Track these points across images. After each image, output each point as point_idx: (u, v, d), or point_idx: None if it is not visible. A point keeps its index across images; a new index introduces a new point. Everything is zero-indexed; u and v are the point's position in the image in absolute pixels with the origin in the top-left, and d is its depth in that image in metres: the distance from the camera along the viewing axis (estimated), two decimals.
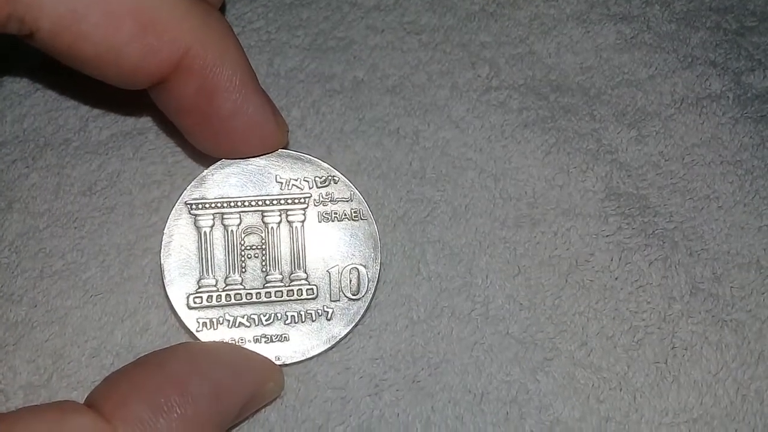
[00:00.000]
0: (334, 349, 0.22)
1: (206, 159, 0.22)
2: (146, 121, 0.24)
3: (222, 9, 0.25)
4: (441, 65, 0.26)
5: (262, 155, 0.22)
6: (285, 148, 0.22)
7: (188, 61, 0.19)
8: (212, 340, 0.21)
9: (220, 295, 0.21)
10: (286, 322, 0.21)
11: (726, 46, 0.27)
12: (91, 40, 0.18)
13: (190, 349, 0.20)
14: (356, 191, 0.22)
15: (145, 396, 0.18)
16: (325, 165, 0.22)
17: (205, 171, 0.21)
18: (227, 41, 0.20)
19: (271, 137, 0.21)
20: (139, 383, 0.18)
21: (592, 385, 0.22)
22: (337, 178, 0.22)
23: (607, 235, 0.24)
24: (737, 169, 0.25)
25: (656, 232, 0.24)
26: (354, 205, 0.22)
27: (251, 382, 0.20)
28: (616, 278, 0.23)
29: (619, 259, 0.24)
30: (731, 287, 0.23)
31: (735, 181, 0.25)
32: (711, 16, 0.27)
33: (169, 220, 0.21)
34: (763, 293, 0.23)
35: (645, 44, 0.27)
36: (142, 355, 0.22)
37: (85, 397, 0.19)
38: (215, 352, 0.20)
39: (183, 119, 0.21)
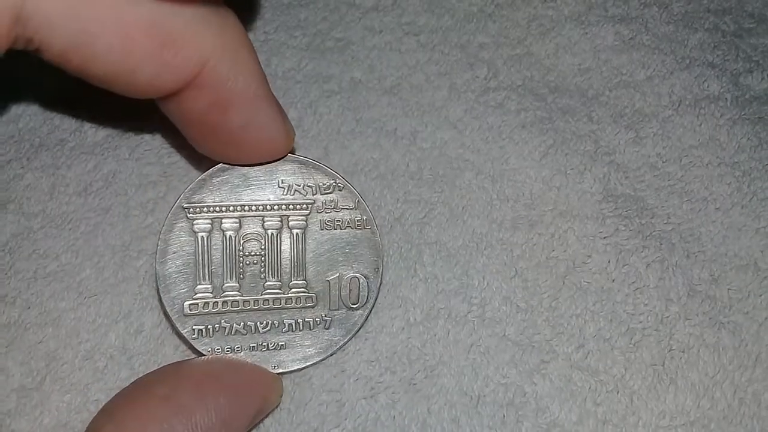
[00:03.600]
0: None
1: (204, 160, 0.21)
2: (142, 122, 0.24)
3: None
4: (439, 66, 0.26)
5: (268, 162, 0.21)
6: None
7: (203, 76, 0.18)
8: (208, 348, 0.21)
9: (217, 302, 0.21)
10: (284, 330, 0.21)
11: (724, 47, 0.27)
12: (104, 60, 0.17)
13: (192, 373, 0.20)
14: (361, 199, 0.22)
15: None
16: (330, 171, 0.22)
17: (204, 174, 0.21)
18: (243, 51, 0.19)
19: (280, 145, 0.21)
20: (147, 420, 0.18)
21: (590, 387, 0.22)
22: (341, 185, 0.22)
23: (604, 237, 0.24)
24: (735, 170, 0.25)
25: (653, 233, 0.24)
26: (358, 213, 0.22)
27: (256, 401, 0.20)
28: (614, 280, 0.23)
29: (617, 261, 0.23)
30: (728, 289, 0.23)
31: (733, 183, 0.25)
32: (709, 18, 0.27)
33: (165, 224, 0.21)
34: (761, 295, 0.23)
35: (643, 45, 0.27)
36: (136, 355, 0.22)
37: (87, 427, 0.19)
38: (219, 377, 0.20)
39: (191, 129, 0.20)
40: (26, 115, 0.24)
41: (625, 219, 0.24)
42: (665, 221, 0.24)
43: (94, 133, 0.24)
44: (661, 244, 0.24)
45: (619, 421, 0.22)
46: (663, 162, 0.25)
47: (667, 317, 0.23)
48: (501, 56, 0.26)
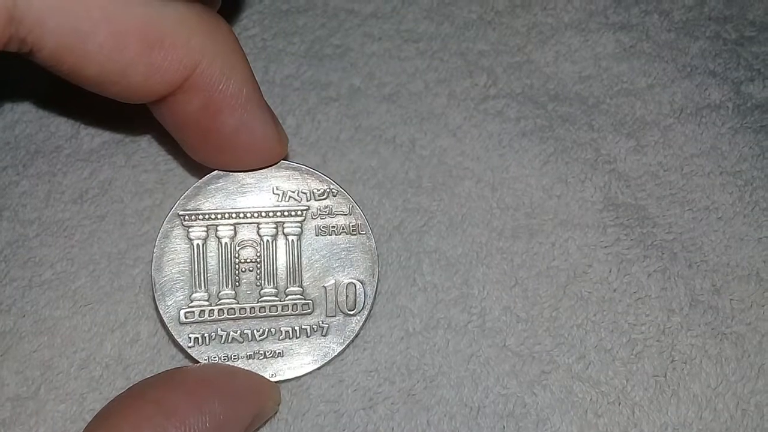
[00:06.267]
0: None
1: (200, 168, 0.21)
2: (139, 129, 0.24)
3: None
4: (438, 73, 0.26)
5: (262, 168, 0.21)
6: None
7: (194, 79, 0.19)
8: (205, 356, 0.21)
9: (213, 310, 0.21)
10: (281, 337, 0.21)
11: (725, 55, 0.27)
12: (96, 60, 0.18)
13: (186, 379, 0.20)
14: (355, 205, 0.22)
15: None
16: (324, 177, 0.22)
17: (199, 181, 0.21)
18: (234, 55, 0.19)
19: (273, 151, 0.21)
20: (141, 424, 0.18)
21: (591, 399, 0.22)
22: (335, 191, 0.22)
23: (605, 246, 0.24)
24: (737, 179, 0.25)
25: (655, 243, 0.24)
26: (353, 219, 0.22)
27: (251, 408, 0.20)
28: (615, 290, 0.23)
29: (618, 271, 0.23)
30: (731, 299, 0.23)
31: (734, 192, 0.25)
32: (710, 26, 0.27)
33: (160, 232, 0.21)
34: (763, 306, 0.23)
35: (644, 53, 0.27)
36: (132, 365, 0.21)
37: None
38: (213, 382, 0.20)
39: (184, 134, 0.20)
40: (22, 121, 0.24)
41: (626, 228, 0.24)
42: (667, 231, 0.24)
43: (90, 141, 0.24)
44: (662, 253, 0.24)
45: None
46: (664, 171, 0.25)
47: (669, 328, 0.23)
48: (500, 64, 0.26)
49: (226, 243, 0.21)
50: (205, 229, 0.21)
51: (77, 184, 0.23)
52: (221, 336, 0.21)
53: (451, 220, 0.24)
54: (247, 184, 0.21)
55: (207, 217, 0.21)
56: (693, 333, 0.23)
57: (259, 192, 0.21)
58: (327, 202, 0.22)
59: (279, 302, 0.21)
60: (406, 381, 0.22)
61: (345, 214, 0.22)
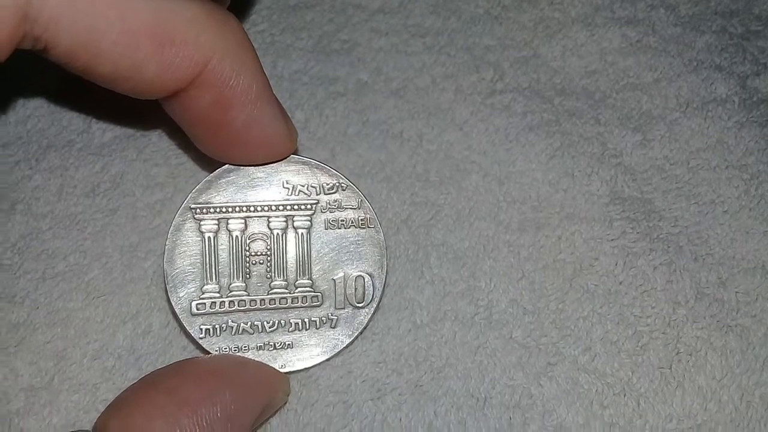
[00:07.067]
0: None
1: (210, 162, 0.22)
2: (150, 124, 0.24)
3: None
4: (445, 68, 0.26)
5: (272, 162, 0.21)
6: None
7: (205, 75, 0.19)
8: (216, 347, 0.21)
9: (224, 302, 0.21)
10: (290, 329, 0.21)
11: (731, 50, 0.27)
12: (109, 58, 0.18)
13: (198, 370, 0.20)
14: (364, 199, 0.22)
15: (161, 429, 0.18)
16: (333, 171, 0.22)
17: (210, 175, 0.21)
18: (244, 52, 0.20)
19: (282, 146, 0.21)
20: (153, 413, 0.18)
21: (596, 390, 0.22)
22: (344, 185, 0.22)
23: (611, 240, 0.24)
24: (743, 173, 0.25)
25: (661, 236, 0.24)
26: (361, 212, 0.22)
27: (261, 398, 0.20)
28: (621, 283, 0.23)
29: (624, 264, 0.23)
30: (736, 292, 0.23)
31: (740, 186, 0.25)
32: (716, 20, 0.27)
33: (172, 225, 0.21)
34: None
35: (650, 48, 0.27)
36: (144, 355, 0.22)
37: (94, 423, 0.19)
38: (224, 373, 0.20)
39: (195, 129, 0.21)
40: (34, 116, 0.24)
41: (632, 222, 0.24)
42: (673, 224, 0.24)
43: (101, 135, 0.24)
44: (668, 246, 0.24)
45: (625, 424, 0.22)
46: (670, 164, 0.25)
47: (675, 320, 0.23)
48: (507, 58, 0.26)
49: (237, 236, 0.21)
50: (216, 222, 0.21)
51: (89, 178, 0.23)
52: (232, 327, 0.21)
53: (459, 214, 0.24)
54: (258, 178, 0.21)
55: (218, 210, 0.21)
56: (698, 325, 0.23)
57: (269, 186, 0.21)
58: (336, 195, 0.22)
59: (289, 294, 0.21)
60: (413, 372, 0.22)
61: (354, 208, 0.22)
